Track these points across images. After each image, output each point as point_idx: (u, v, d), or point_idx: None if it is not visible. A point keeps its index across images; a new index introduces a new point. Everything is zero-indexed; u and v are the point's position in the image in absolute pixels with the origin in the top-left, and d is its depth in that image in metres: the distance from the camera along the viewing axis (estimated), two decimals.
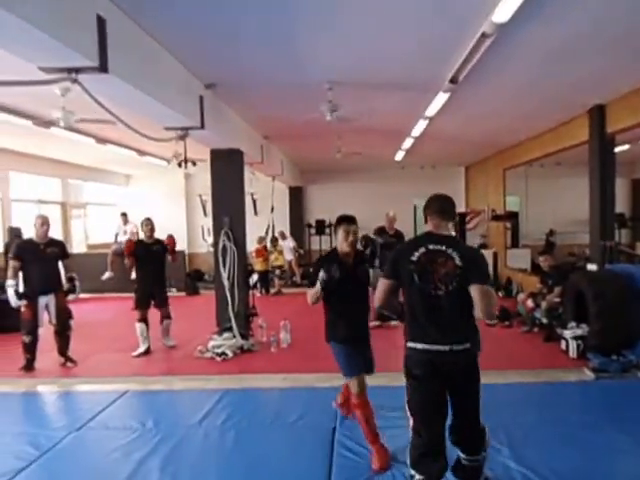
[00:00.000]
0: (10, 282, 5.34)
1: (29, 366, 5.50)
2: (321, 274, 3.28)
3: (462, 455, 2.80)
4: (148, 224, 6.30)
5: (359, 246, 3.64)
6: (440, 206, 2.76)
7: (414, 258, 2.60)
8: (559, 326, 6.05)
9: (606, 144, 6.58)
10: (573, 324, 5.73)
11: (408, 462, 2.69)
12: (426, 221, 2.78)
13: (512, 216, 11.35)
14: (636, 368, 4.99)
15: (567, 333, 5.71)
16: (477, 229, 12.01)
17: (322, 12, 3.60)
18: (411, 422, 2.72)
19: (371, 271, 3.62)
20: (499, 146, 10.23)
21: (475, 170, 13.38)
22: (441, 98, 5.75)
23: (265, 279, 11.29)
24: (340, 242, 3.49)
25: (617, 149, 7.49)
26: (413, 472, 2.63)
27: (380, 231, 7.49)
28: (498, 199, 11.15)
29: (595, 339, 5.32)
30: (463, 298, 2.55)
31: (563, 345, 5.77)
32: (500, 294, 9.71)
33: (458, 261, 2.54)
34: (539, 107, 6.70)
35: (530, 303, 6.84)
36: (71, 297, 6.00)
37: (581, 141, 7.05)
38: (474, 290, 2.51)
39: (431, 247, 2.61)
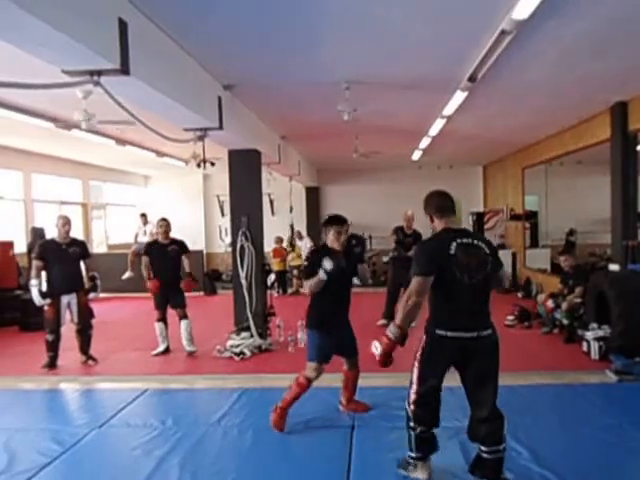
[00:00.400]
0: (34, 282, 5.43)
1: (52, 364, 5.59)
2: (327, 264, 3.51)
3: (483, 448, 2.83)
4: (163, 225, 6.22)
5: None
6: (450, 202, 3.03)
7: (452, 252, 2.77)
8: (580, 327, 5.96)
9: (628, 142, 6.47)
10: (594, 325, 5.63)
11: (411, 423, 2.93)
12: (433, 219, 3.00)
13: (531, 216, 11.18)
14: None
15: (588, 334, 5.61)
16: (495, 229, 11.87)
17: (341, 12, 3.60)
18: (415, 387, 2.92)
19: (359, 266, 3.96)
20: (518, 144, 10.10)
21: (493, 169, 13.23)
22: (459, 97, 5.70)
23: (283, 279, 11.33)
24: (332, 241, 3.79)
25: None
26: (413, 424, 2.93)
27: (398, 230, 7.50)
28: (517, 198, 11.02)
29: (618, 340, 5.21)
30: (489, 285, 2.86)
31: (584, 347, 5.67)
32: (519, 295, 9.60)
33: (487, 250, 2.84)
34: (559, 104, 6.61)
35: (550, 304, 6.73)
36: (92, 295, 6.08)
37: (602, 139, 6.94)
38: (500, 273, 2.99)
39: (462, 241, 2.81)
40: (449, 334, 2.79)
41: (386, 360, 2.89)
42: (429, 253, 2.87)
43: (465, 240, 2.81)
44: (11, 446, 3.66)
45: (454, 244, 2.78)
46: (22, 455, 3.52)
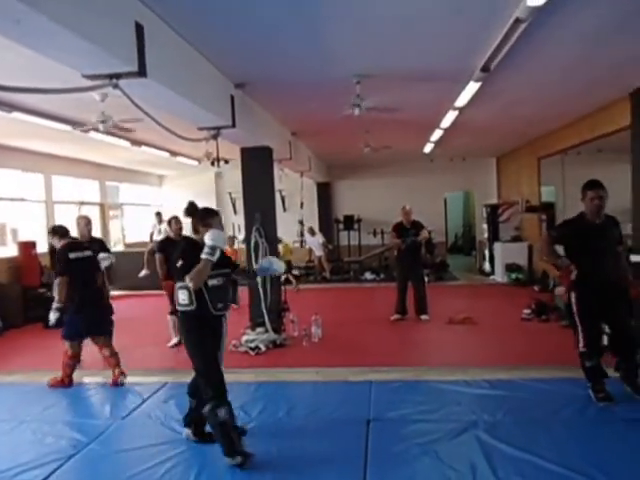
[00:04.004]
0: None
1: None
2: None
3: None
4: (177, 222, 6.17)
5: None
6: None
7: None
8: None
9: None
10: None
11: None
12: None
13: (548, 207, 11.03)
14: None
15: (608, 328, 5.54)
16: (511, 221, 11.75)
17: (350, 6, 3.61)
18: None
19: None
20: (532, 135, 9.98)
21: (507, 160, 13.09)
22: (472, 88, 5.62)
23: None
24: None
25: None
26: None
27: (398, 228, 7.42)
28: (532, 190, 10.90)
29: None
30: None
31: (605, 340, 5.58)
32: (536, 288, 9.56)
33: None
34: (576, 92, 6.48)
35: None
36: (102, 256, 5.37)
37: (621, 127, 6.78)
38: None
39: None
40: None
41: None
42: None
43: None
44: (40, 437, 3.81)
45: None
46: (51, 445, 3.67)
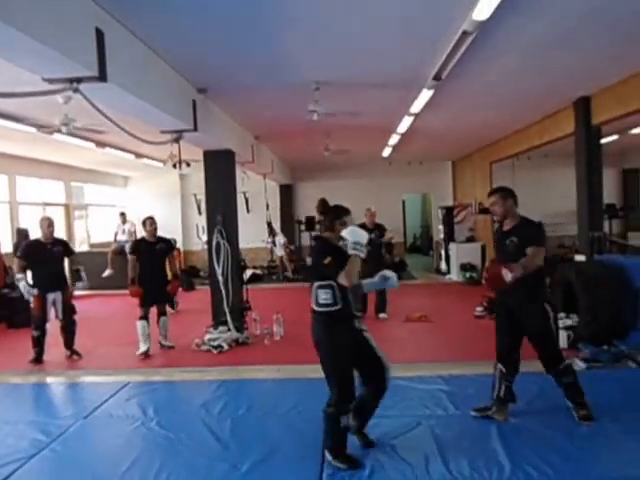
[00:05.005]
0: (19, 276, 5.63)
1: (38, 359, 5.71)
2: None
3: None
4: (152, 223, 6.09)
5: None
6: None
7: None
8: None
9: (592, 135, 6.66)
10: (563, 315, 5.68)
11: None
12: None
13: None
14: (628, 358, 4.99)
15: (557, 324, 5.61)
16: (464, 222, 12.17)
17: (308, 15, 3.76)
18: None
19: None
20: (485, 140, 10.41)
21: (462, 164, 13.59)
22: (425, 95, 5.86)
23: None
24: None
25: (606, 140, 7.49)
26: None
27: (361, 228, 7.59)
28: (485, 192, 11.27)
29: (585, 329, 5.29)
30: None
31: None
32: None
33: None
34: (524, 100, 6.79)
35: None
36: (80, 285, 6.09)
37: (567, 133, 7.15)
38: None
39: None
40: None
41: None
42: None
43: None
44: (1, 437, 3.80)
45: None
46: (11, 445, 3.66)
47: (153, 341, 6.15)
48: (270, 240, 12.52)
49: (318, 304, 3.14)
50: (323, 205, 3.39)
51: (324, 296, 3.11)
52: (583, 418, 3.62)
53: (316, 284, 3.14)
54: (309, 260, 3.24)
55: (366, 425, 3.42)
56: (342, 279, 3.05)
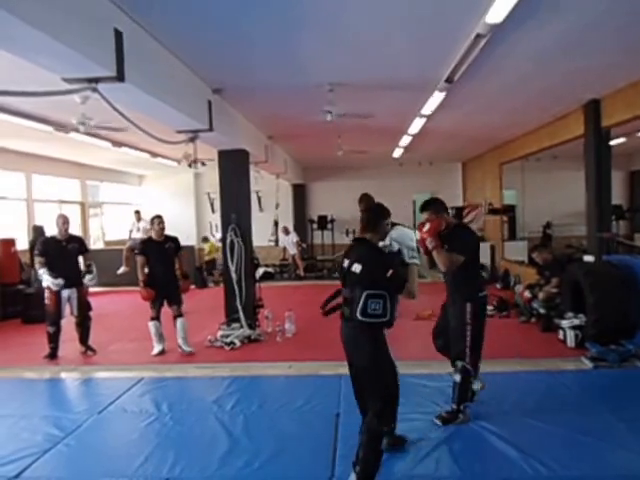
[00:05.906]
0: (42, 270, 5.71)
1: (53, 354, 5.82)
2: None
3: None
4: (160, 222, 5.94)
5: None
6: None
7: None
8: (556, 316, 6.10)
9: (601, 138, 6.65)
10: (570, 314, 5.77)
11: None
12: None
13: (509, 209, 11.52)
14: (635, 357, 5.03)
15: (565, 323, 5.76)
16: (474, 222, 12.14)
17: (323, 17, 3.79)
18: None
19: None
20: (495, 141, 10.37)
21: (472, 165, 13.55)
22: (437, 97, 5.88)
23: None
24: None
25: (613, 142, 7.48)
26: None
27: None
28: (495, 193, 11.32)
29: (593, 329, 5.34)
30: None
31: (561, 335, 5.81)
32: (498, 285, 9.95)
33: None
34: (535, 103, 6.81)
35: (527, 294, 6.94)
36: (88, 278, 6.00)
37: (576, 135, 7.15)
38: None
39: None
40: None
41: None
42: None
43: None
44: (16, 432, 3.87)
45: None
46: (26, 440, 3.71)
47: (168, 338, 6.05)
48: (273, 238, 12.67)
49: (365, 314, 2.90)
50: (368, 200, 3.12)
51: (374, 306, 2.89)
52: (441, 418, 3.77)
53: (366, 293, 2.88)
54: (347, 263, 2.97)
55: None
56: (408, 292, 2.92)
